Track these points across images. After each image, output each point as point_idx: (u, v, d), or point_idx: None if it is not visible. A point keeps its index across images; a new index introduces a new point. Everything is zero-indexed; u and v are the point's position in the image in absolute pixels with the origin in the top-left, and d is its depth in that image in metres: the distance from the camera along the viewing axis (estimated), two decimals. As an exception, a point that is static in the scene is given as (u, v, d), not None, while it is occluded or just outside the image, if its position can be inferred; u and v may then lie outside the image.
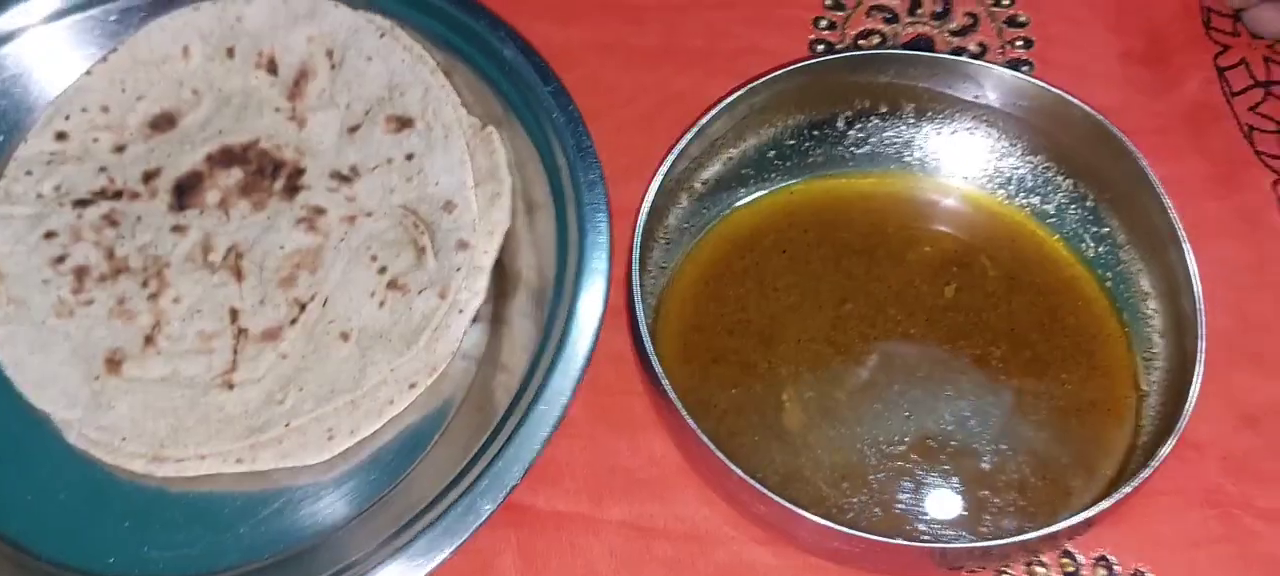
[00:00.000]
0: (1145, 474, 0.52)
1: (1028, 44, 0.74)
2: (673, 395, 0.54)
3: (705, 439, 0.53)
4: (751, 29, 0.75)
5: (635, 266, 0.57)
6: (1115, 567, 0.57)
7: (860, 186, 0.66)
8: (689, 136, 0.61)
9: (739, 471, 0.52)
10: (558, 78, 0.64)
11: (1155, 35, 0.74)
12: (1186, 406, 0.54)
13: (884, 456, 0.57)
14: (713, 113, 0.62)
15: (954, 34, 0.75)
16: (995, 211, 0.65)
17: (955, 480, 0.57)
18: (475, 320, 0.61)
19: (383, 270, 0.61)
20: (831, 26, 0.75)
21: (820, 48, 0.74)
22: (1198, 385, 0.54)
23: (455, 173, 0.63)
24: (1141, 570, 0.57)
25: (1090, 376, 0.60)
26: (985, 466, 0.57)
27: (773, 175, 0.66)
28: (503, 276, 0.63)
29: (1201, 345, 0.55)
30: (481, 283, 0.61)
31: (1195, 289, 0.57)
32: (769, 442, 0.58)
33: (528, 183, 0.64)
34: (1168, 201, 0.59)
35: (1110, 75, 0.73)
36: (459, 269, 0.60)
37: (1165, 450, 0.53)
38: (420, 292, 0.60)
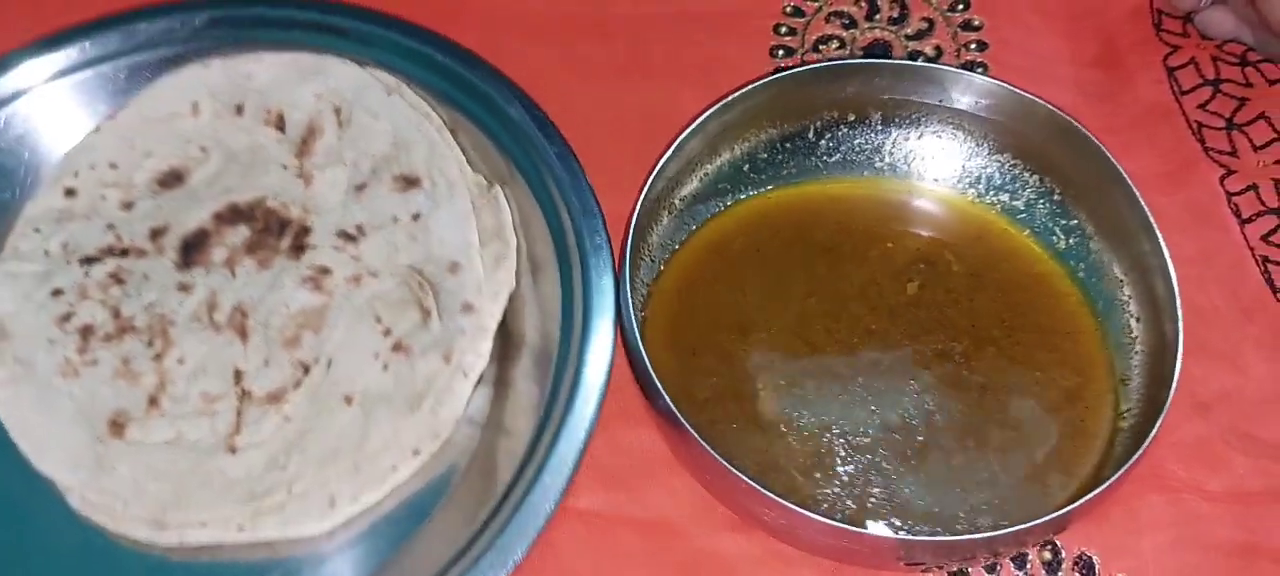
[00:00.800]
0: (1119, 474, 0.52)
1: (982, 47, 0.76)
2: (665, 396, 0.55)
3: (689, 427, 0.54)
4: (714, 39, 0.76)
5: (626, 293, 0.58)
6: (1061, 554, 0.59)
7: (832, 191, 0.68)
8: (666, 156, 0.62)
9: (719, 457, 0.53)
10: (562, 136, 0.64)
11: (1107, 38, 0.76)
12: (1169, 392, 0.55)
13: (852, 448, 0.59)
14: (687, 132, 0.63)
15: (910, 38, 0.76)
16: (964, 210, 0.67)
17: (922, 475, 0.58)
18: (479, 383, 0.61)
19: (387, 332, 0.61)
20: (792, 32, 0.77)
21: (780, 53, 0.76)
22: (1179, 368, 0.55)
23: (460, 233, 0.63)
24: (1087, 554, 0.58)
25: (1062, 369, 0.61)
26: (955, 463, 0.58)
27: (748, 187, 0.68)
28: (507, 338, 0.63)
29: (1180, 327, 0.56)
30: (486, 345, 0.61)
31: (1170, 270, 0.58)
32: (748, 430, 0.59)
33: (532, 242, 0.64)
34: (1135, 190, 0.60)
35: (1063, 77, 0.75)
36: (463, 331, 0.60)
37: (1148, 441, 0.53)
38: (424, 355, 0.60)
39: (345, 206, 0.65)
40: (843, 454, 0.58)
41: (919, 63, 0.65)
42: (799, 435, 0.59)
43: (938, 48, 0.76)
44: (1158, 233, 0.59)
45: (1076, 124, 0.62)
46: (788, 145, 0.68)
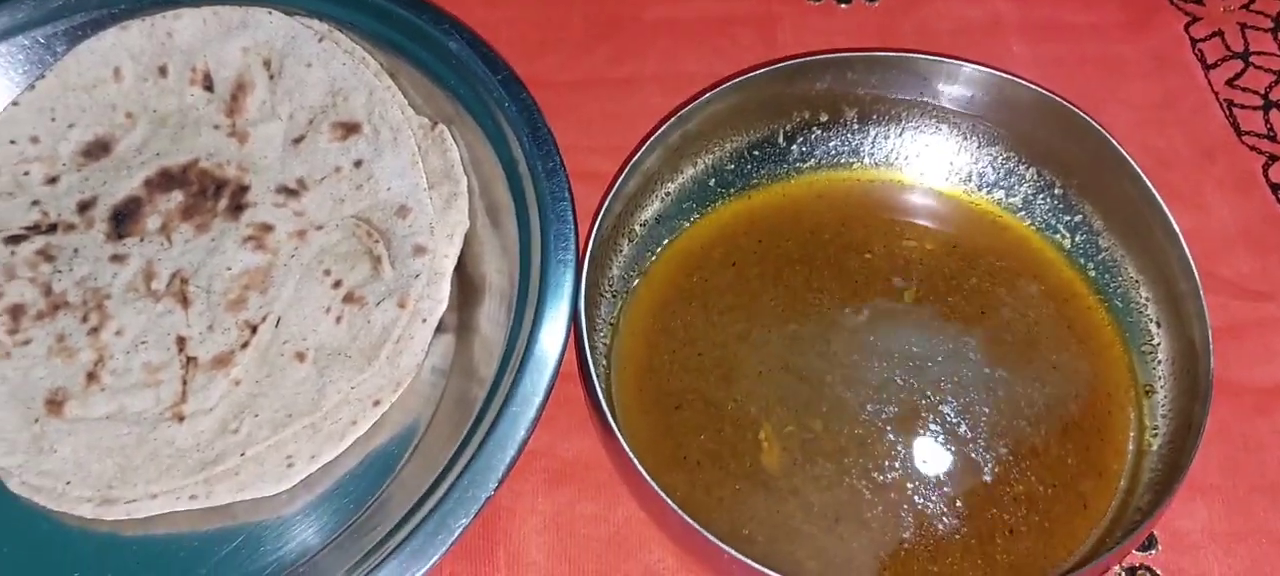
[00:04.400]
0: (1150, 521, 0.48)
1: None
2: (643, 472, 0.48)
3: (680, 511, 0.47)
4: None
5: (584, 341, 0.53)
6: None
7: (807, 190, 0.63)
8: (622, 177, 0.58)
9: (728, 549, 0.46)
10: (509, 66, 0.61)
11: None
12: (1204, 412, 0.50)
13: (878, 487, 0.53)
14: (644, 148, 0.58)
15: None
16: (957, 207, 0.62)
17: (959, 504, 0.52)
18: (441, 329, 0.58)
19: (337, 284, 0.58)
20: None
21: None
22: (1212, 378, 0.51)
23: (407, 176, 0.60)
24: None
25: (1081, 361, 0.56)
26: (987, 479, 0.53)
27: (715, 202, 0.62)
28: (467, 282, 0.60)
29: (1208, 335, 0.52)
30: (444, 289, 0.58)
31: (1192, 269, 0.54)
32: (752, 491, 0.53)
33: (487, 181, 0.60)
34: (1145, 178, 0.56)
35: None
36: (418, 275, 0.57)
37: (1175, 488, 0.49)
38: (378, 304, 0.57)
39: (283, 161, 0.62)
40: (868, 496, 0.52)
41: (895, 53, 0.60)
42: (815, 486, 0.52)
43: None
44: (1173, 222, 0.55)
45: (1073, 107, 0.58)
46: (755, 153, 0.62)
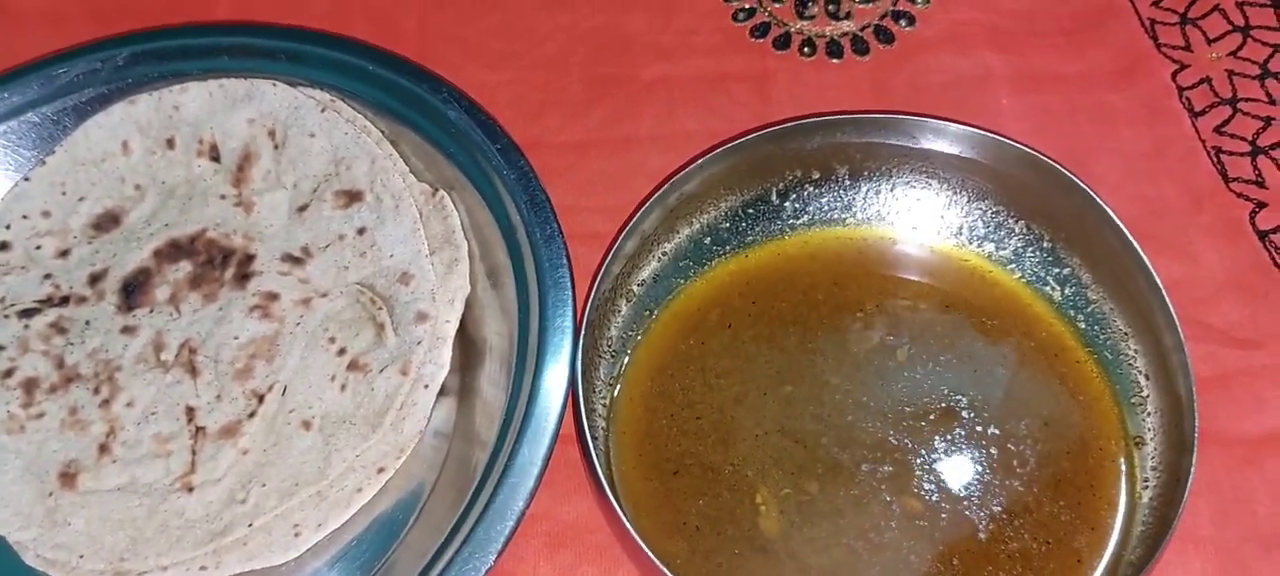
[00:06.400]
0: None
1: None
2: (642, 543, 0.50)
3: None
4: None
5: (581, 406, 0.54)
6: None
7: (801, 248, 0.64)
8: (620, 239, 0.59)
9: None
10: (507, 134, 0.62)
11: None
12: (1191, 461, 0.51)
13: (873, 547, 0.54)
14: (642, 210, 0.59)
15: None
16: (948, 262, 0.63)
17: (955, 563, 0.53)
18: (443, 393, 0.59)
19: (342, 351, 0.59)
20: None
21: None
22: (1197, 431, 0.52)
23: (409, 242, 0.61)
24: None
25: (1073, 415, 0.57)
26: (983, 538, 0.54)
27: (712, 260, 0.64)
28: (469, 344, 0.61)
29: (1193, 389, 0.53)
30: (445, 354, 0.59)
31: (1175, 322, 0.55)
32: (751, 555, 0.54)
33: (487, 246, 0.62)
34: (1126, 231, 0.57)
35: (1017, -17, 0.75)
36: (420, 342, 0.58)
37: (1167, 536, 0.50)
38: (382, 371, 0.58)
39: (289, 230, 0.63)
40: (866, 557, 0.53)
41: (884, 114, 0.61)
42: (812, 548, 0.54)
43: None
44: (1158, 280, 0.55)
45: (1055, 164, 0.59)
46: (750, 211, 0.64)
